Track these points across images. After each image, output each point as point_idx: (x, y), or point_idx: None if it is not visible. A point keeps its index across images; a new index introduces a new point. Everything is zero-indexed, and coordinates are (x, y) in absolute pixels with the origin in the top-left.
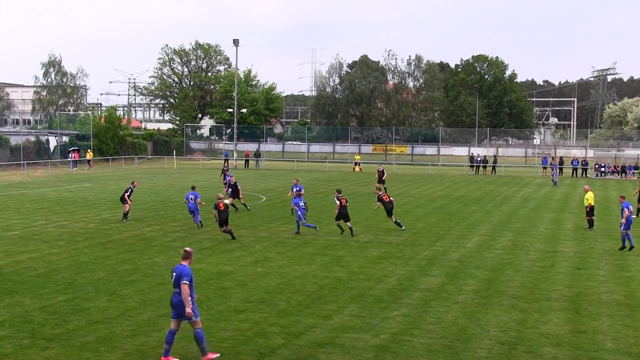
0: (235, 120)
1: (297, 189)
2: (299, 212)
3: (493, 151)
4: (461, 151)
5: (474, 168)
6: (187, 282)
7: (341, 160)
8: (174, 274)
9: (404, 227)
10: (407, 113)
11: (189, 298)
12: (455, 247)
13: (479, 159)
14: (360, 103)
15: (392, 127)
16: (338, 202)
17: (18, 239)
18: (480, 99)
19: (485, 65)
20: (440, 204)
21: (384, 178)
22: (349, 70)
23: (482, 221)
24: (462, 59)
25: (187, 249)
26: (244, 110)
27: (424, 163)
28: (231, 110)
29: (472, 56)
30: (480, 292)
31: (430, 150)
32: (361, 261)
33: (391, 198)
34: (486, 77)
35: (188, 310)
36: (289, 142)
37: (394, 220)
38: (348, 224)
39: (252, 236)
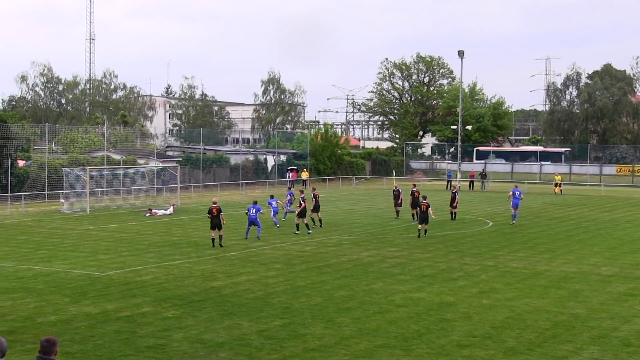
0: (459, 137)
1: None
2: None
3: None
4: None
5: None
6: None
7: (578, 182)
8: None
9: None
10: None
11: None
12: None
13: None
14: (601, 118)
15: None
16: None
17: (237, 260)
18: None
19: None
20: None
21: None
22: (589, 81)
23: None
24: None
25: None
26: (469, 127)
27: None
28: (455, 127)
29: None
30: None
31: None
32: (603, 297)
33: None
34: None
35: None
36: (519, 163)
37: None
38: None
39: (477, 264)
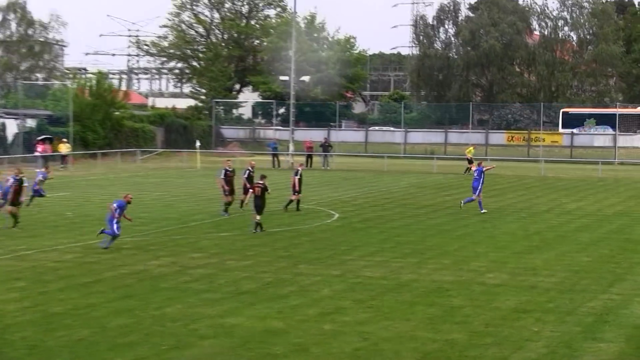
0: (292, 93)
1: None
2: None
3: None
4: None
5: None
6: None
7: (458, 155)
8: None
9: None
10: (562, 81)
11: None
12: None
13: None
14: (488, 66)
15: (539, 103)
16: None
17: None
18: None
19: None
20: (617, 226)
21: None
22: (471, 15)
23: None
24: None
25: None
26: (307, 78)
27: (589, 160)
28: (285, 78)
29: None
30: None
31: (601, 139)
32: (488, 316)
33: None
34: None
35: None
36: (376, 128)
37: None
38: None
39: (316, 274)
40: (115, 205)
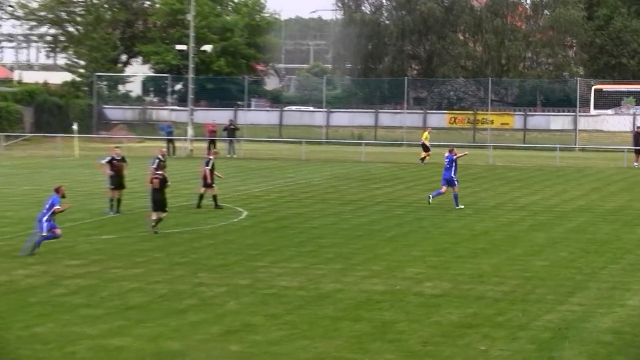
0: (190, 66)
1: None
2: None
3: None
4: (618, 123)
5: None
6: None
7: (391, 140)
8: None
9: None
10: (514, 52)
11: None
12: (607, 307)
13: None
14: (426, 34)
15: (487, 78)
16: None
17: None
18: None
19: None
20: (579, 224)
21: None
22: None
23: None
24: None
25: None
26: (208, 48)
27: (546, 146)
28: (183, 48)
29: None
30: None
31: (559, 121)
32: (427, 332)
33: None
34: None
35: None
36: (292, 109)
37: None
38: (159, 214)
39: (220, 284)
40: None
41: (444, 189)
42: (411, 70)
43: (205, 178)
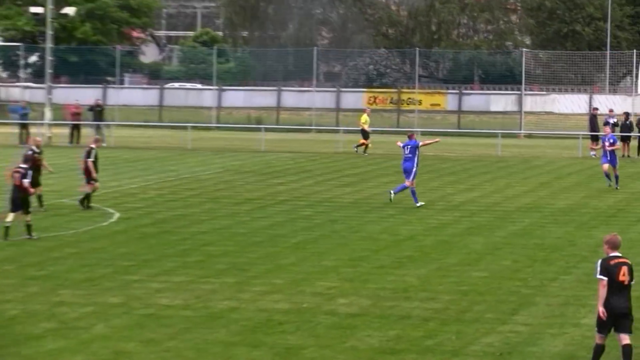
0: (48, 33)
1: None
2: None
3: None
4: (572, 103)
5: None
6: None
7: (297, 125)
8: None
9: None
10: (446, 17)
11: None
12: (558, 327)
13: (611, 120)
14: None
15: (414, 49)
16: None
17: None
18: None
19: None
20: (524, 226)
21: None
22: None
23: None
24: None
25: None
26: (70, 11)
27: (486, 132)
28: (38, 10)
29: None
30: None
31: (501, 102)
32: (341, 359)
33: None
34: None
35: None
36: (175, 86)
37: None
38: (20, 216)
39: (85, 303)
40: None
41: (407, 182)
42: (321, 39)
43: (88, 172)
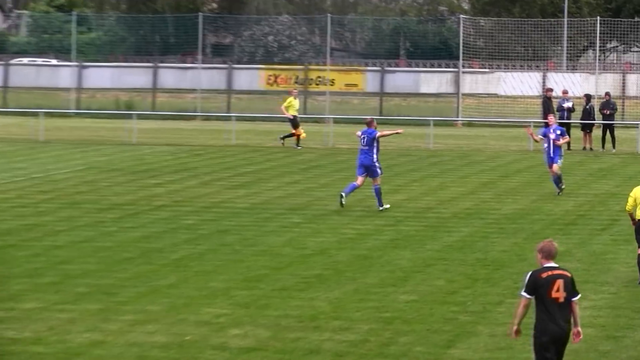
0: None
1: None
2: None
3: (610, 84)
4: (521, 83)
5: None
6: None
7: (178, 111)
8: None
9: None
10: None
11: None
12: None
13: (565, 104)
14: None
15: (325, 16)
16: None
17: None
18: None
19: None
20: (462, 237)
21: None
22: None
23: (590, 281)
24: None
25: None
26: None
27: (414, 119)
28: None
29: None
30: None
31: (434, 81)
32: None
33: None
34: None
35: None
36: (23, 61)
37: None
38: None
39: None
40: None
41: (359, 180)
42: (208, 3)
43: None
